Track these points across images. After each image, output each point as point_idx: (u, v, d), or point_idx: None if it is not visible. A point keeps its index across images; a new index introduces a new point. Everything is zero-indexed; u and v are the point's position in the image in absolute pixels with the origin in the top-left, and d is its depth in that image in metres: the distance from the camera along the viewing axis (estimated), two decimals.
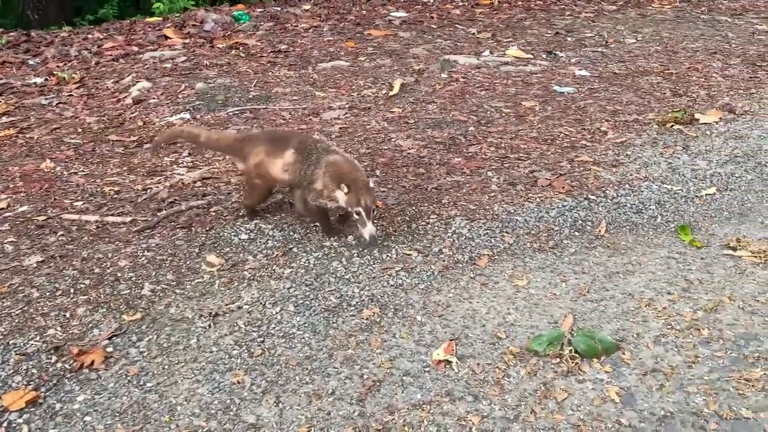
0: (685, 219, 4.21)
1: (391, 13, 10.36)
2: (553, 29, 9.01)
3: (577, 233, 4.14)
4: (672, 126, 5.62)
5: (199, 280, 3.74)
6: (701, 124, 5.63)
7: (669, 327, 3.30)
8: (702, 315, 3.36)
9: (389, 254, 3.97)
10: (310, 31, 9.28)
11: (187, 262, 3.89)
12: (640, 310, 3.44)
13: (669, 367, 3.06)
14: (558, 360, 3.10)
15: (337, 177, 3.86)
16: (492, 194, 4.68)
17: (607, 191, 4.62)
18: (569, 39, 8.59)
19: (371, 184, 3.85)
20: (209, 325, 3.36)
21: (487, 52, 8.12)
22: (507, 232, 4.16)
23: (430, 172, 5.08)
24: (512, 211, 4.40)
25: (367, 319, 3.43)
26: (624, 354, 3.14)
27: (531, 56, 7.90)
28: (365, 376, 3.05)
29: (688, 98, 6.30)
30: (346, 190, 3.77)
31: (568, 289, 3.61)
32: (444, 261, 3.89)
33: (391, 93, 6.93)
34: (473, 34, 9.06)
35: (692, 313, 3.36)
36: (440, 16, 9.97)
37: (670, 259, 3.81)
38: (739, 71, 6.99)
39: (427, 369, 3.10)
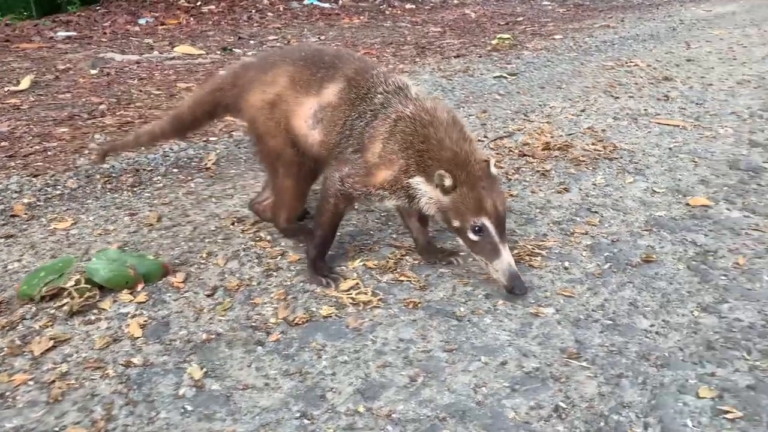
0: None
1: (58, 33, 8.93)
2: (237, 36, 8.40)
3: (176, 170, 3.11)
4: None
5: None
6: None
7: (256, 240, 2.36)
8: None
9: None
10: None
11: None
12: (224, 229, 2.46)
13: (238, 281, 2.08)
14: (68, 300, 1.93)
15: (428, 149, 1.96)
16: (86, 154, 3.53)
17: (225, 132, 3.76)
18: (252, 42, 8.01)
19: (494, 169, 1.99)
20: None
21: (155, 53, 7.13)
22: (71, 178, 2.97)
23: (21, 143, 3.87)
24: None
25: None
26: (176, 277, 2.09)
27: (204, 53, 7.09)
28: None
29: None
30: (448, 181, 1.91)
31: (132, 222, 2.51)
32: None
33: (15, 89, 5.56)
34: (148, 43, 8.05)
35: None
36: (114, 33, 8.79)
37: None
38: (409, 52, 6.93)
39: None
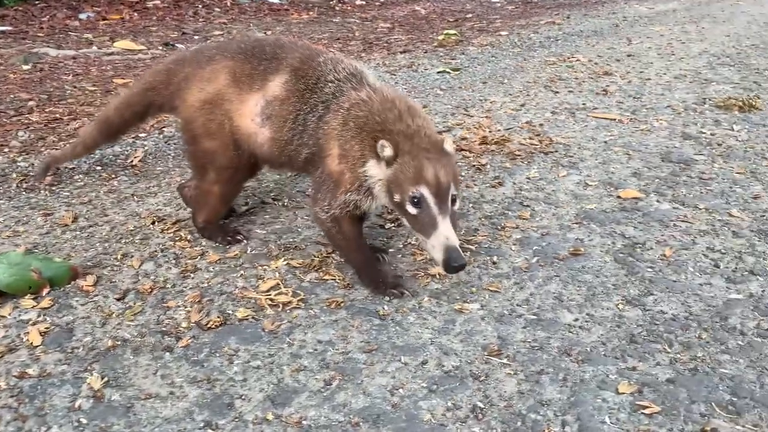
0: None
1: None
2: (180, 31, 8.17)
3: (99, 167, 2.97)
4: None
5: None
6: None
7: (175, 240, 2.25)
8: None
9: None
10: None
11: None
12: (142, 228, 2.34)
13: (152, 283, 1.97)
14: None
15: (383, 120, 1.84)
16: (5, 152, 3.34)
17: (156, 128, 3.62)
18: (196, 37, 7.80)
19: (449, 147, 1.85)
20: None
21: (94, 48, 6.88)
22: None
23: None
24: (20, 159, 3.09)
25: None
26: (85, 280, 1.97)
27: (144, 48, 6.87)
28: None
29: None
30: (388, 150, 1.77)
31: (45, 223, 2.37)
32: None
33: None
34: (87, 38, 7.77)
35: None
36: (52, 27, 8.45)
37: None
38: (356, 48, 6.87)
39: None
